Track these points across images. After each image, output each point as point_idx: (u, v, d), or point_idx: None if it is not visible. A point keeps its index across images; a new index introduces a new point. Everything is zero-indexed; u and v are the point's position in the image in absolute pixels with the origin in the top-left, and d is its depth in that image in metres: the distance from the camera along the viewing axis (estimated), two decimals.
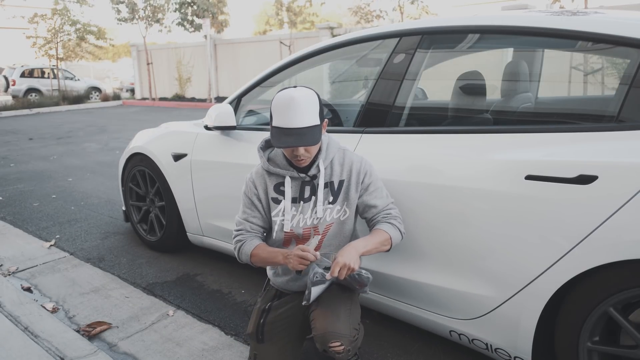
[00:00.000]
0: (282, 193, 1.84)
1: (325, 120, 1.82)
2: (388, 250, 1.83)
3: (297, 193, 1.83)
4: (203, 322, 2.45)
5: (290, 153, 1.74)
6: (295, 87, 1.72)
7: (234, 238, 1.90)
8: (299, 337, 1.90)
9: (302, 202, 1.83)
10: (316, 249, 1.83)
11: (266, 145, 1.92)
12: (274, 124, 1.70)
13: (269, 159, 1.87)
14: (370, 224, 1.88)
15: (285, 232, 1.85)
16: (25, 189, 5.21)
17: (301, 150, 1.70)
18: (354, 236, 1.93)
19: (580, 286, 1.59)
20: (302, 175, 1.81)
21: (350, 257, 1.64)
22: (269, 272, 2.00)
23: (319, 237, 1.82)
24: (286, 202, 1.82)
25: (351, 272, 1.64)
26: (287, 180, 1.82)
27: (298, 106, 1.65)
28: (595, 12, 1.89)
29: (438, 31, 2.12)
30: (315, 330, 1.67)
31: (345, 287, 1.84)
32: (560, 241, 1.58)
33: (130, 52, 20.48)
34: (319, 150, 1.81)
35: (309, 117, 1.67)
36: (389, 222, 1.82)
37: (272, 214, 1.86)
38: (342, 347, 1.62)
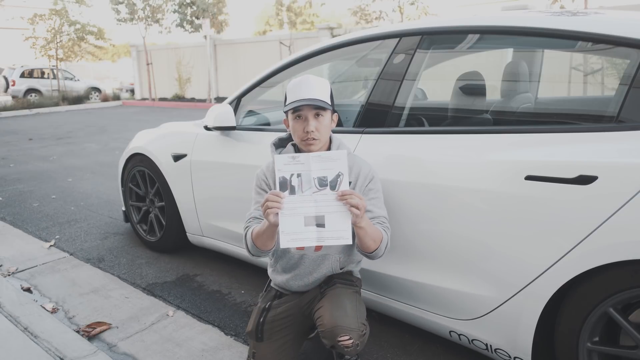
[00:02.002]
0: None
1: (336, 113, 1.85)
2: (370, 253, 1.74)
3: None
4: (203, 322, 2.45)
5: (302, 132, 1.76)
6: None
7: (243, 232, 1.87)
8: (298, 336, 1.90)
9: None
10: (316, 250, 1.85)
11: (279, 143, 1.97)
12: (287, 101, 1.77)
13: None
14: None
15: None
16: (25, 190, 5.21)
17: (312, 126, 1.73)
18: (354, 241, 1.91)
19: (580, 286, 1.59)
20: None
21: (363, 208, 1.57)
22: (269, 269, 1.99)
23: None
24: None
25: (352, 208, 1.53)
26: None
27: (310, 82, 1.76)
28: (595, 12, 1.89)
29: (438, 31, 2.12)
30: (323, 326, 1.66)
31: (349, 285, 1.84)
32: (560, 241, 1.58)
33: (130, 52, 20.48)
34: (329, 149, 1.84)
35: (320, 92, 1.75)
36: (383, 230, 1.80)
37: None
38: (351, 341, 1.61)
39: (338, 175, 1.57)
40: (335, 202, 1.57)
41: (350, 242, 1.60)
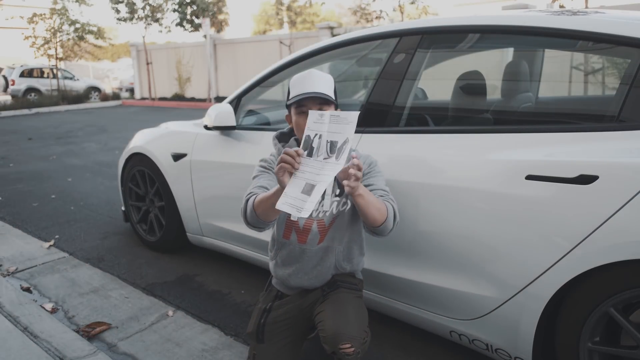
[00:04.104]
0: None
1: (339, 109, 1.82)
2: (379, 227, 1.65)
3: None
4: (203, 322, 2.45)
5: (304, 126, 1.65)
6: None
7: (242, 202, 1.78)
8: (299, 337, 1.89)
9: None
10: (319, 242, 1.81)
11: (281, 137, 1.95)
12: (290, 96, 1.76)
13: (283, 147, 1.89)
14: None
15: (288, 219, 1.83)
16: (24, 189, 5.21)
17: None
18: (357, 230, 1.88)
19: (581, 286, 1.59)
20: None
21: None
22: (270, 263, 1.97)
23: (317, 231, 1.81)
24: None
25: (351, 178, 1.46)
26: None
27: (316, 76, 1.76)
28: (595, 12, 1.89)
29: (438, 31, 2.11)
30: (324, 332, 1.64)
31: (352, 289, 1.83)
32: (560, 241, 1.57)
33: (129, 52, 20.47)
34: None
35: (325, 87, 1.75)
36: (386, 201, 1.72)
37: None
38: (353, 349, 1.60)
39: (345, 142, 1.44)
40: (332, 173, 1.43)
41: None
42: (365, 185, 1.76)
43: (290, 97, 1.77)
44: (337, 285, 1.81)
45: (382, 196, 1.76)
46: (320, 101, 1.74)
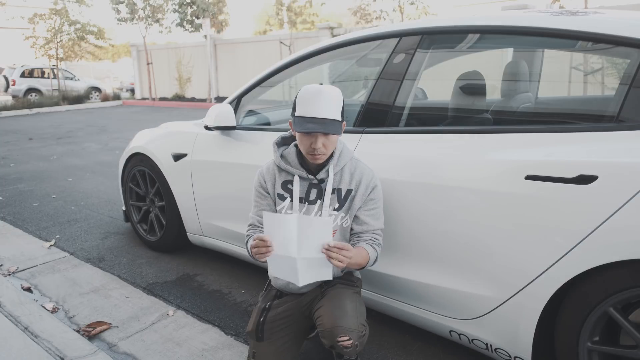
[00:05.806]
0: (289, 191, 1.86)
1: (344, 122, 1.81)
2: (358, 270, 1.91)
3: (303, 193, 1.85)
4: (203, 322, 2.45)
5: (308, 146, 1.74)
6: (321, 84, 1.78)
7: (245, 233, 1.94)
8: (299, 336, 1.90)
9: (306, 204, 1.84)
10: None
11: (282, 142, 1.95)
12: (298, 113, 1.73)
13: (282, 156, 1.89)
14: (355, 238, 1.87)
15: None
16: (25, 189, 5.21)
17: (319, 143, 1.72)
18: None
19: (580, 286, 1.59)
20: (311, 177, 1.83)
21: (350, 260, 1.66)
22: (270, 273, 2.00)
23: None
24: (294, 201, 1.83)
25: (336, 262, 1.60)
26: (296, 179, 1.84)
27: (324, 98, 1.71)
28: (595, 12, 1.89)
29: (438, 31, 2.12)
30: (323, 326, 1.66)
31: (350, 285, 1.86)
32: (560, 241, 1.58)
33: (130, 52, 20.48)
34: (331, 155, 1.82)
35: (333, 110, 1.71)
36: (374, 247, 1.83)
37: (277, 209, 1.89)
38: (351, 341, 1.62)
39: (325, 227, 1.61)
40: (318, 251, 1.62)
41: (330, 278, 1.71)
42: (361, 221, 1.86)
43: (296, 114, 1.74)
44: (335, 282, 1.82)
45: (372, 240, 1.84)
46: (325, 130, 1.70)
